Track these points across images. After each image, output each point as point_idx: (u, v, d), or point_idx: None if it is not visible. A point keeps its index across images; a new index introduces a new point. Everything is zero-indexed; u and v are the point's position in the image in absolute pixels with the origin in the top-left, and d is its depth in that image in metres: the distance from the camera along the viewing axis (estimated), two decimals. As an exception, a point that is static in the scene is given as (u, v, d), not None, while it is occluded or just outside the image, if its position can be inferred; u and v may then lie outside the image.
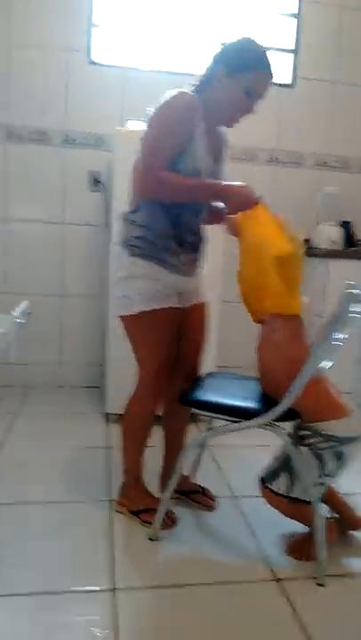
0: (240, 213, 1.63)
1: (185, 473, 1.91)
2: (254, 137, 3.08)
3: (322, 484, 1.58)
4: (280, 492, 1.58)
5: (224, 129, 1.74)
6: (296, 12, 3.06)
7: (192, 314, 1.81)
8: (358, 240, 3.15)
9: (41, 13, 2.78)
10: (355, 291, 1.45)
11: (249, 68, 1.56)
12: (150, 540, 1.67)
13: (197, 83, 1.62)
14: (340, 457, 1.54)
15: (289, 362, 1.53)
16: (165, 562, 1.60)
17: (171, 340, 1.72)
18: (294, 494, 1.57)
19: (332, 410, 1.56)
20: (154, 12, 2.94)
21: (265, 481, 1.62)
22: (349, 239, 3.07)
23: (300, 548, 1.65)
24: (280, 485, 1.58)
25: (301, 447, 1.56)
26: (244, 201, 1.60)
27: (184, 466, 1.68)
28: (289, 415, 1.53)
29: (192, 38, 3.00)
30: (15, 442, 2.33)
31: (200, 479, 2.01)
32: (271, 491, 1.60)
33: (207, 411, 1.65)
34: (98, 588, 1.45)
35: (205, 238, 1.79)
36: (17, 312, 1.92)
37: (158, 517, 1.67)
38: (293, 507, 1.59)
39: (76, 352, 3.10)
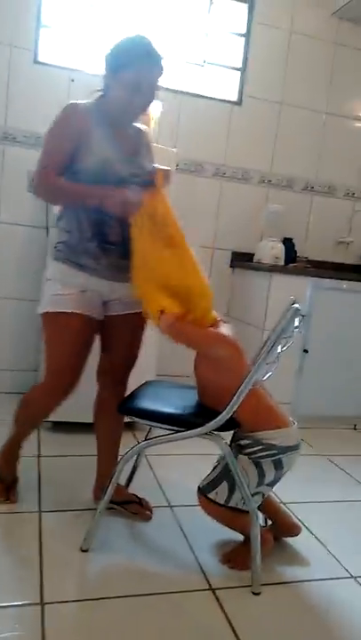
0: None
1: (120, 483, 1.87)
2: (202, 150, 3.13)
3: (260, 493, 1.59)
4: (218, 501, 1.57)
5: (143, 128, 1.79)
6: (245, 31, 3.15)
7: (122, 324, 1.78)
8: (299, 257, 3.26)
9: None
10: (297, 305, 1.49)
11: (127, 65, 1.59)
12: (82, 550, 1.61)
13: (98, 90, 1.69)
14: (278, 466, 1.56)
15: (225, 374, 1.54)
16: (97, 573, 1.55)
17: (76, 346, 1.70)
18: (232, 503, 1.56)
19: (271, 420, 1.58)
20: (104, 15, 2.93)
21: (203, 490, 1.61)
22: (291, 255, 3.16)
23: (235, 557, 1.64)
24: (219, 495, 1.57)
25: (240, 456, 1.56)
26: (123, 207, 1.57)
27: (120, 475, 1.64)
28: (229, 425, 1.53)
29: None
30: None
31: (136, 489, 1.97)
32: (209, 500, 1.59)
33: (146, 419, 1.63)
34: (25, 602, 1.37)
35: None
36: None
37: (91, 529, 1.62)
38: (231, 516, 1.59)
39: (7, 357, 2.98)
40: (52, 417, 2.35)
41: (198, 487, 1.63)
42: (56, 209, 1.81)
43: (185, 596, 1.48)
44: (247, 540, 1.62)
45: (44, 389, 1.77)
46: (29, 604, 1.37)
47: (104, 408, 1.87)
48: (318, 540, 1.84)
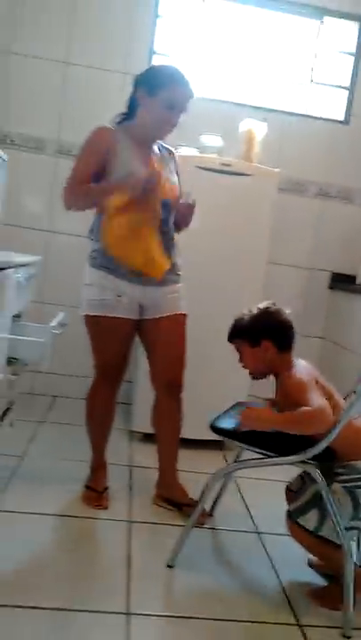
0: None
1: (207, 504, 1.86)
2: (305, 170, 3.08)
3: (356, 528, 1.51)
4: (308, 527, 1.51)
5: (166, 147, 1.96)
6: (354, 50, 3.07)
7: (161, 326, 1.91)
8: None
9: (103, 36, 2.88)
10: None
11: (165, 84, 1.75)
12: (167, 566, 1.62)
13: (123, 113, 1.87)
14: None
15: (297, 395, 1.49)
16: (181, 591, 1.55)
17: (114, 345, 1.89)
18: (323, 533, 1.49)
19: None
20: (215, 40, 3.00)
21: (293, 515, 1.55)
22: (395, 278, 3.00)
23: (324, 594, 1.56)
24: (309, 521, 1.50)
25: (335, 484, 1.49)
26: (139, 184, 1.70)
27: (208, 494, 1.63)
28: (325, 455, 1.48)
29: (247, 69, 3.05)
30: (37, 451, 2.33)
31: (223, 511, 1.96)
32: (299, 526, 1.52)
33: (238, 440, 1.61)
34: (112, 610, 1.40)
35: (173, 245, 1.90)
36: (54, 323, 1.95)
37: (177, 546, 1.62)
38: (321, 546, 1.51)
39: (73, 362, 3.04)
40: (143, 428, 2.42)
41: (288, 510, 1.57)
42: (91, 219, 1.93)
43: (269, 627, 1.43)
44: (337, 578, 1.54)
45: (96, 383, 1.97)
46: (116, 613, 1.39)
47: (160, 411, 2.00)
48: None
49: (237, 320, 1.65)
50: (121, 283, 1.83)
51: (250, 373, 1.67)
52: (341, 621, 1.44)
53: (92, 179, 1.79)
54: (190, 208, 1.87)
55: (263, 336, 1.59)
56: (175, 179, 1.91)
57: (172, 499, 1.97)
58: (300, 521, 1.52)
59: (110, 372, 1.95)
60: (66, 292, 2.95)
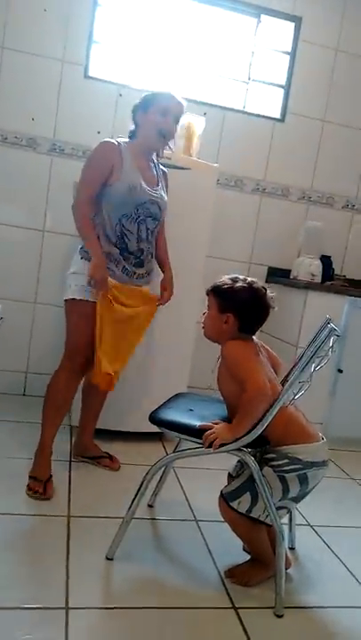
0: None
1: (147, 493, 1.88)
2: (243, 166, 3.14)
3: (284, 507, 1.58)
4: (240, 510, 1.56)
5: (162, 168, 2.16)
6: (290, 49, 3.16)
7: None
8: (337, 275, 3.22)
9: (41, 23, 2.81)
10: (332, 325, 1.48)
11: (155, 99, 2.01)
12: (107, 558, 1.63)
13: (129, 134, 2.09)
14: (303, 481, 1.54)
15: (238, 385, 1.53)
16: (120, 582, 1.56)
17: (88, 328, 1.99)
18: (254, 514, 1.55)
19: (299, 436, 1.56)
20: (153, 33, 3.00)
21: (226, 497, 1.59)
22: (328, 273, 3.13)
23: (235, 571, 1.64)
24: (241, 504, 1.56)
25: (266, 468, 1.54)
26: (95, 283, 1.94)
27: (148, 485, 1.65)
28: (258, 442, 1.53)
29: (186, 63, 3.07)
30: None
31: (162, 500, 1.98)
32: (231, 508, 1.57)
33: (176, 431, 1.63)
34: (50, 606, 1.39)
35: (152, 257, 2.14)
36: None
37: (116, 538, 1.63)
38: (250, 526, 1.57)
39: (44, 362, 3.02)
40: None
41: (221, 492, 1.61)
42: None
43: (207, 612, 1.48)
44: (255, 558, 1.64)
45: (63, 370, 2.04)
46: (54, 608, 1.39)
47: (93, 388, 2.19)
48: (345, 566, 1.80)
49: (225, 281, 1.62)
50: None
51: (204, 332, 1.67)
52: (274, 601, 1.50)
53: (99, 187, 1.97)
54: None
55: (232, 309, 1.58)
56: (165, 197, 2.13)
57: (91, 455, 2.27)
58: (233, 504, 1.56)
59: (79, 359, 2.03)
60: (2, 285, 2.90)
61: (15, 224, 2.92)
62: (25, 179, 2.90)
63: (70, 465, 2.23)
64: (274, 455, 1.55)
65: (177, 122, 2.05)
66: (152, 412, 1.70)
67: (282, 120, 3.20)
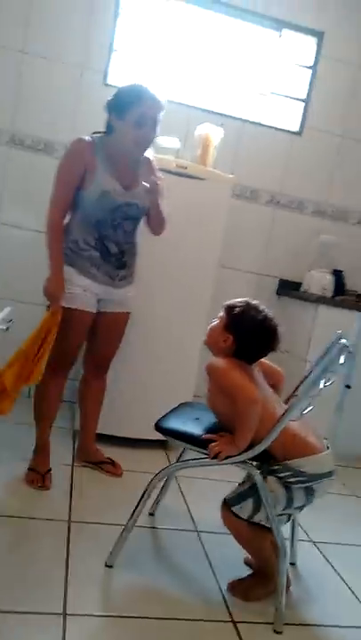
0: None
1: (148, 502, 1.87)
2: (259, 178, 3.15)
3: (286, 514, 1.57)
4: (241, 515, 1.54)
5: (150, 156, 2.06)
6: (311, 64, 3.17)
7: (110, 320, 2.14)
8: (348, 290, 3.21)
9: (63, 30, 2.84)
10: (344, 340, 1.47)
11: (131, 104, 1.86)
12: (106, 565, 1.62)
13: (101, 132, 1.97)
14: (309, 492, 1.53)
15: (228, 398, 1.52)
16: (119, 590, 1.55)
17: (78, 336, 2.05)
18: (255, 520, 1.54)
19: (303, 449, 1.55)
20: (174, 43, 3.02)
21: (229, 502, 1.58)
22: (340, 288, 3.12)
23: (237, 585, 1.62)
24: (243, 509, 1.54)
25: (270, 477, 1.53)
26: (49, 297, 1.95)
27: (151, 493, 1.64)
28: (263, 456, 1.52)
29: (205, 74, 3.08)
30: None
31: (164, 510, 1.97)
32: (233, 514, 1.56)
33: (180, 440, 1.63)
34: (48, 611, 1.39)
35: (134, 254, 2.10)
36: (-1, 318, 1.90)
37: (116, 545, 1.62)
38: (251, 533, 1.56)
39: None
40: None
41: (224, 499, 1.60)
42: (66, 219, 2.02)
43: (205, 624, 1.46)
44: (257, 573, 1.63)
45: (49, 373, 1.98)
46: (52, 614, 1.38)
47: (89, 389, 2.26)
48: (347, 584, 1.78)
49: (242, 304, 1.61)
50: (86, 280, 1.99)
51: (205, 338, 1.67)
52: (274, 617, 1.49)
53: (73, 194, 1.93)
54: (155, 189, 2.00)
55: (235, 332, 1.58)
56: (144, 195, 2.01)
57: (93, 460, 2.26)
58: (235, 509, 1.56)
59: (64, 363, 2.07)
60: (13, 286, 2.91)
61: (27, 227, 2.93)
62: (40, 182, 2.92)
63: (73, 469, 2.22)
64: (279, 467, 1.53)
65: (157, 122, 1.91)
66: (158, 420, 1.70)
67: (299, 134, 3.21)
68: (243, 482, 1.67)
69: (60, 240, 1.95)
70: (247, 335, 1.58)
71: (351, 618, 1.61)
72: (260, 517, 1.54)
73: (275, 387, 1.69)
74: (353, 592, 1.73)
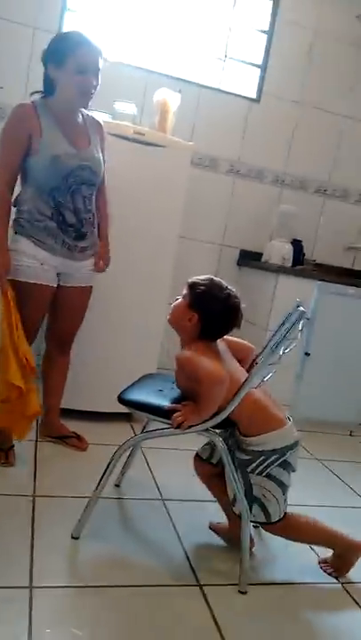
0: None
1: (114, 473, 1.88)
2: (218, 146, 3.11)
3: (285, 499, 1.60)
4: (259, 520, 1.59)
5: (94, 119, 2.01)
6: (268, 28, 3.12)
7: (72, 294, 2.08)
8: (307, 259, 3.25)
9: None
10: (302, 308, 1.48)
11: (70, 50, 1.77)
12: (73, 537, 1.62)
13: (40, 91, 1.89)
14: (287, 466, 1.57)
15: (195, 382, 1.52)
16: (86, 561, 1.56)
17: (38, 311, 1.98)
18: (275, 516, 1.58)
19: (267, 422, 1.57)
20: (129, 5, 2.91)
21: (261, 521, 1.61)
22: (299, 257, 3.15)
23: (333, 567, 1.70)
24: (257, 517, 1.58)
25: (253, 477, 1.55)
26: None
27: (115, 464, 1.64)
28: (225, 423, 1.54)
29: (162, 37, 2.99)
30: None
31: (129, 480, 1.99)
32: (274, 524, 1.60)
33: (144, 411, 1.63)
34: (14, 585, 1.38)
35: (94, 225, 2.04)
36: None
37: (82, 517, 1.63)
38: (290, 528, 1.63)
39: None
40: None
41: (234, 513, 1.61)
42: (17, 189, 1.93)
43: (172, 589, 1.49)
44: (335, 552, 1.70)
45: None
46: (18, 587, 1.38)
47: (53, 364, 2.23)
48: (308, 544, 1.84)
49: (205, 282, 1.59)
50: (43, 252, 1.92)
51: (169, 317, 1.65)
52: (238, 578, 1.53)
53: (19, 162, 1.84)
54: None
55: (199, 309, 1.57)
56: (99, 156, 1.97)
57: (58, 434, 2.25)
58: (251, 518, 1.58)
59: (26, 337, 1.95)
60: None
61: None
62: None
63: (37, 445, 2.20)
64: (248, 457, 1.55)
65: (98, 69, 1.82)
66: (121, 393, 1.69)
67: (257, 100, 3.17)
68: (207, 458, 1.70)
69: (6, 213, 1.84)
70: (212, 313, 1.57)
71: (313, 575, 1.68)
72: (276, 510, 1.57)
73: (243, 360, 1.69)
74: (313, 549, 1.80)
